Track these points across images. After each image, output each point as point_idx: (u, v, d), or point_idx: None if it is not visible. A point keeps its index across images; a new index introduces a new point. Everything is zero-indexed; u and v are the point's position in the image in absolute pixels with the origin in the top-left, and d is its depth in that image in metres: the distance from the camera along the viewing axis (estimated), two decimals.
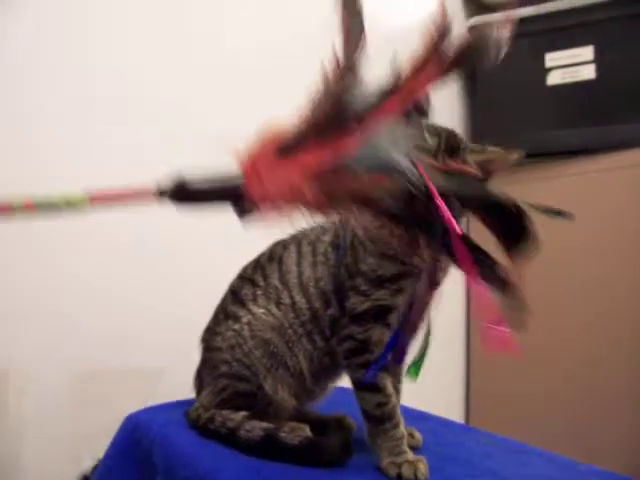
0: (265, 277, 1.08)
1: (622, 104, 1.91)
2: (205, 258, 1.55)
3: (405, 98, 0.61)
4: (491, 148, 0.81)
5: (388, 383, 0.97)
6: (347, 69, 0.63)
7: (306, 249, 1.07)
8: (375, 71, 0.65)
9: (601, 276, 1.89)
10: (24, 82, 1.41)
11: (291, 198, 0.58)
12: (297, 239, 1.10)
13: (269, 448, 0.95)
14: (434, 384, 2.01)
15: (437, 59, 0.61)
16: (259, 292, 1.07)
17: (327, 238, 1.06)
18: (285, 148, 0.61)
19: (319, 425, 1.05)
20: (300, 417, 1.06)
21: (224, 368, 1.05)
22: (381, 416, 0.95)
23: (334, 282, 1.02)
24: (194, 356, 1.13)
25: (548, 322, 1.96)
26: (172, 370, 1.42)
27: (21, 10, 1.39)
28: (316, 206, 0.59)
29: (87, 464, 1.33)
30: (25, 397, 1.38)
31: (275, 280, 1.06)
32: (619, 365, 1.83)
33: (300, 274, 1.05)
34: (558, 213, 0.77)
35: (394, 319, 0.97)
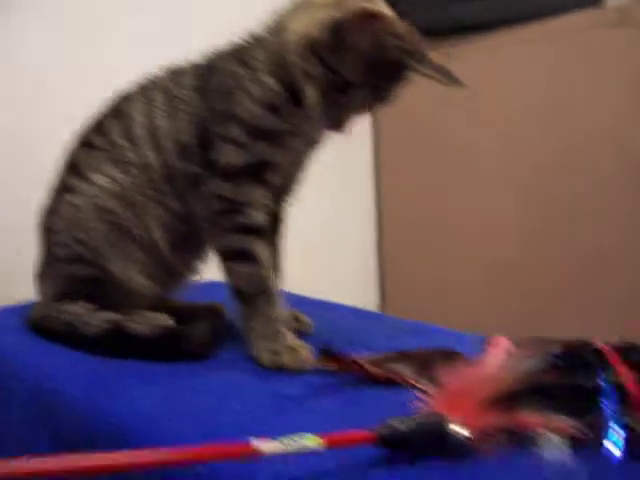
0: (105, 136, 0.88)
1: None
2: None
3: None
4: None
5: (263, 251, 0.80)
6: None
7: (157, 96, 0.87)
8: None
9: (518, 149, 1.76)
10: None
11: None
12: (145, 88, 0.90)
13: (116, 342, 0.77)
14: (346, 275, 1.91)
15: None
16: (98, 155, 0.87)
17: (188, 81, 0.86)
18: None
19: (186, 315, 0.86)
20: (163, 307, 0.87)
21: (62, 252, 0.85)
22: (254, 292, 0.79)
23: (198, 133, 0.83)
24: None
25: (470, 203, 1.86)
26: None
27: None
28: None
29: None
30: None
31: (117, 137, 0.87)
32: (548, 244, 1.73)
33: (149, 125, 0.85)
34: (454, 80, 0.75)
35: (274, 178, 0.82)
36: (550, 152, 1.71)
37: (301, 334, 0.85)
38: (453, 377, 0.52)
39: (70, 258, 0.84)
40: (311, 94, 0.77)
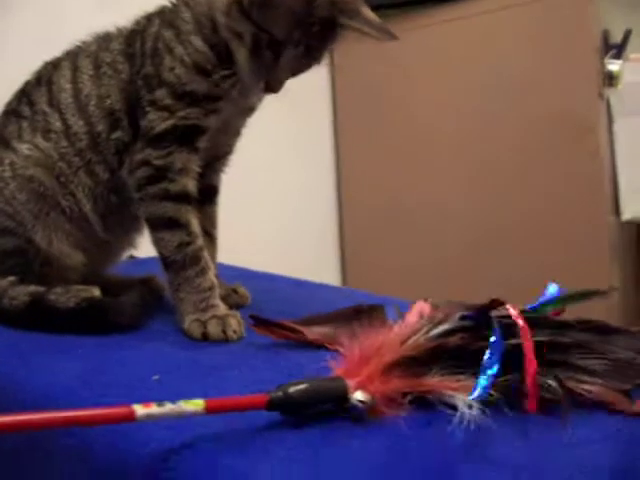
0: (32, 105, 0.85)
1: None
2: None
3: None
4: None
5: (193, 219, 0.78)
6: None
7: (84, 62, 0.84)
8: None
9: (489, 121, 1.73)
10: None
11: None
12: (72, 54, 0.87)
13: (38, 315, 0.74)
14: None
15: None
16: (24, 124, 0.84)
17: (116, 46, 0.83)
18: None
19: (120, 288, 0.84)
20: (96, 281, 0.84)
21: None
22: (183, 260, 0.76)
23: (126, 99, 0.80)
24: None
25: (428, 185, 1.84)
26: None
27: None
28: None
29: None
30: None
31: (44, 105, 0.84)
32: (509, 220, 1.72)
33: (77, 92, 0.82)
34: (389, 35, 0.75)
35: (202, 143, 0.79)
36: (508, 128, 1.70)
37: (239, 306, 0.83)
38: (362, 340, 0.51)
39: None
40: (240, 54, 0.74)
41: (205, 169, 0.84)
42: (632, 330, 0.58)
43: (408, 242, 1.88)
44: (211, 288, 0.76)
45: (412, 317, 0.56)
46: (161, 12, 0.83)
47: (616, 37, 1.76)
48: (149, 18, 0.84)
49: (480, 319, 0.52)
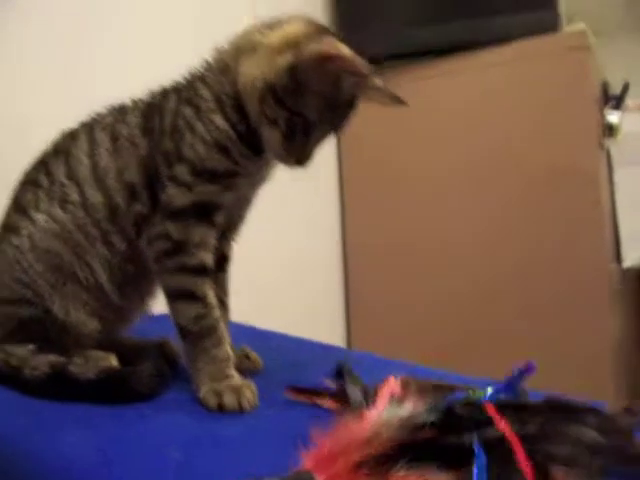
0: (49, 175, 0.87)
1: None
2: None
3: None
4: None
5: (209, 291, 0.80)
6: None
7: (101, 135, 0.86)
8: None
9: (490, 171, 1.78)
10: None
11: None
12: (88, 126, 0.89)
13: (58, 386, 0.76)
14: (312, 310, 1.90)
15: None
16: (41, 194, 0.86)
17: (132, 119, 0.86)
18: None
19: (135, 353, 0.86)
20: (110, 345, 0.86)
21: (4, 293, 0.84)
22: (200, 331, 0.78)
23: (145, 172, 0.83)
24: None
25: (432, 229, 1.87)
26: None
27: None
28: None
29: None
30: None
31: (61, 176, 0.86)
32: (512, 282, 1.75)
33: (94, 165, 0.85)
34: (399, 101, 0.80)
35: (219, 218, 0.82)
36: (508, 179, 1.74)
37: (251, 371, 0.86)
38: (333, 432, 0.53)
39: (13, 299, 0.83)
40: (273, 137, 0.78)
41: (218, 239, 0.86)
42: (599, 409, 0.59)
43: (410, 287, 1.91)
44: (227, 359, 0.78)
45: (382, 401, 0.59)
46: (176, 88, 0.86)
47: (615, 88, 1.81)
48: (164, 94, 0.87)
49: (450, 413, 0.54)
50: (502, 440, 0.51)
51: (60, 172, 0.86)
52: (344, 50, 0.74)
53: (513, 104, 1.74)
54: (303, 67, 0.74)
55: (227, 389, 0.74)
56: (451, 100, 1.81)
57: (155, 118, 0.84)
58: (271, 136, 0.78)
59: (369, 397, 0.63)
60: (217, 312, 0.80)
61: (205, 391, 0.75)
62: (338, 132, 0.81)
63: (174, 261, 0.80)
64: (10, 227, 0.86)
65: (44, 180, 0.87)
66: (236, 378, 0.77)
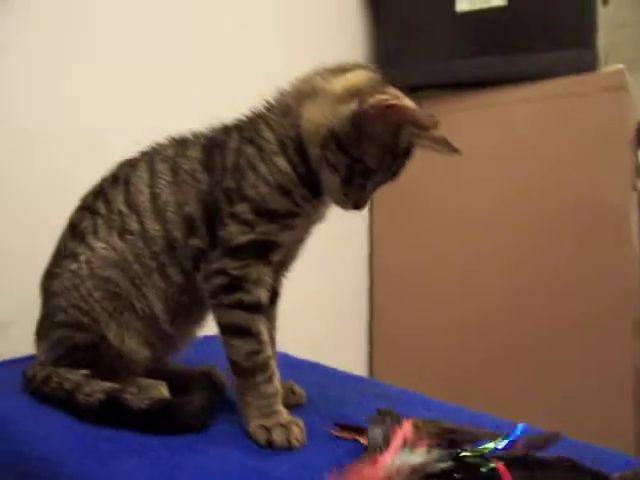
0: (108, 202, 0.88)
1: (534, 32, 1.79)
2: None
3: None
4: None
5: (263, 328, 0.81)
6: None
7: (162, 167, 0.88)
8: None
9: (520, 207, 1.79)
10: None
11: None
12: (148, 156, 0.91)
13: (112, 414, 0.77)
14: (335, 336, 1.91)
15: None
16: (100, 222, 0.87)
17: (193, 154, 0.88)
18: None
19: (182, 380, 0.88)
20: (159, 372, 0.88)
21: (60, 316, 0.86)
22: (252, 368, 0.79)
23: (204, 208, 0.84)
24: None
25: (458, 265, 1.89)
26: (22, 323, 1.20)
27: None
28: None
29: None
30: None
31: (120, 205, 0.87)
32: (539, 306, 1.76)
33: (154, 196, 0.86)
34: (454, 150, 0.82)
35: (277, 257, 0.83)
36: (538, 215, 1.76)
37: (296, 405, 0.87)
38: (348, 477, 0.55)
39: (69, 323, 0.85)
40: (333, 182, 0.80)
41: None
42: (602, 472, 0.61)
43: (435, 318, 1.92)
44: (276, 395, 0.79)
45: (395, 446, 0.61)
46: (238, 127, 0.87)
47: None
48: (226, 131, 0.88)
49: (460, 463, 0.56)
50: None
51: (119, 200, 0.88)
52: (407, 102, 0.76)
53: (546, 140, 1.76)
54: (366, 116, 0.75)
55: (276, 426, 0.75)
56: (484, 133, 1.82)
57: (216, 154, 0.86)
58: (330, 180, 0.80)
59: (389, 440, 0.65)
60: (270, 349, 0.81)
61: (255, 426, 0.76)
62: (394, 178, 0.83)
63: (231, 297, 0.81)
64: (68, 253, 0.88)
65: (102, 207, 0.88)
66: (284, 414, 0.78)
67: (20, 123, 1.22)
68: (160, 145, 0.92)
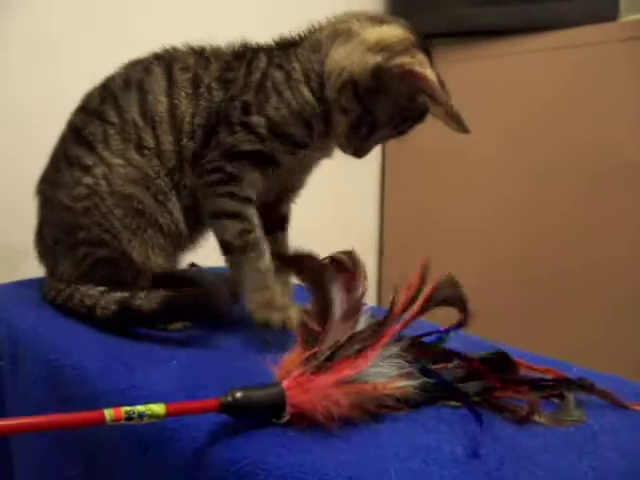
0: (119, 110, 0.86)
1: None
2: None
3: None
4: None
5: (254, 216, 0.84)
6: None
7: (182, 76, 0.87)
8: None
9: (534, 153, 1.77)
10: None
11: (329, 408, 0.56)
12: (164, 62, 0.89)
13: (127, 320, 0.80)
14: None
15: None
16: (111, 131, 0.86)
17: (215, 69, 0.88)
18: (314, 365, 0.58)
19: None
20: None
21: (81, 234, 0.86)
22: (244, 246, 0.81)
23: (208, 117, 0.86)
24: None
25: (469, 205, 1.89)
26: None
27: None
28: (349, 413, 0.56)
29: None
30: None
31: (135, 115, 0.86)
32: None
33: (173, 107, 0.86)
34: (464, 128, 0.81)
35: (272, 173, 0.85)
36: (551, 159, 1.73)
37: None
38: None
39: (90, 241, 0.85)
40: (341, 124, 0.82)
41: (277, 199, 0.91)
42: None
43: (445, 264, 1.91)
44: (268, 270, 0.82)
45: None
46: (269, 50, 0.88)
47: None
48: (256, 50, 0.89)
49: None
50: None
51: (133, 110, 0.86)
52: (431, 74, 0.77)
53: (563, 91, 1.73)
54: (388, 73, 0.77)
55: (273, 307, 0.79)
56: (499, 81, 1.80)
57: (241, 70, 0.86)
58: (339, 122, 0.82)
59: None
60: (260, 231, 0.83)
61: (253, 303, 0.80)
62: (401, 136, 0.85)
63: (225, 188, 0.83)
64: (73, 160, 0.87)
65: (112, 114, 0.86)
66: (279, 294, 0.81)
67: (22, 117, 1.27)
68: (176, 51, 0.90)
